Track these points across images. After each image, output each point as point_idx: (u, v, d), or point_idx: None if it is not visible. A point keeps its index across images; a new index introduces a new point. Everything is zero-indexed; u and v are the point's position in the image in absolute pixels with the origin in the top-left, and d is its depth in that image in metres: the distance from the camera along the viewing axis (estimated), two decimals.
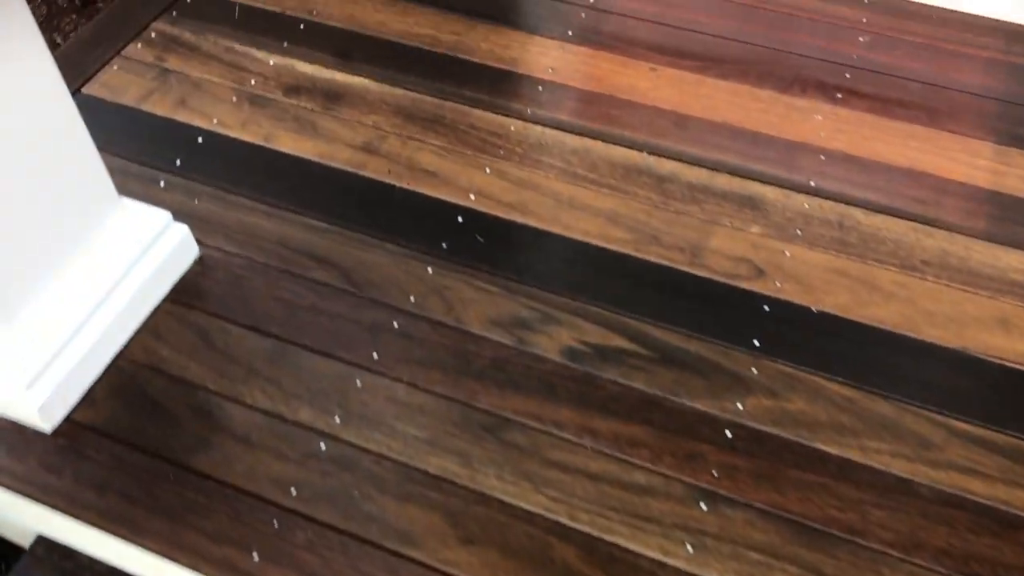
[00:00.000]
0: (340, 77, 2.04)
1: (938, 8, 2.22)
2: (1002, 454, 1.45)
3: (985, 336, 1.60)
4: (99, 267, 1.54)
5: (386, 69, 2.06)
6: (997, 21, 2.19)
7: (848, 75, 2.06)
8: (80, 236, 1.53)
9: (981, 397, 1.52)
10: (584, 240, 1.74)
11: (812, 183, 1.84)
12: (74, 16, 2.75)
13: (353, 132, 1.92)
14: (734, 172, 1.86)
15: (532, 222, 1.77)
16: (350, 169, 1.85)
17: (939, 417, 1.49)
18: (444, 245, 1.72)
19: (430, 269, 1.68)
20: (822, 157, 1.89)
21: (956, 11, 2.21)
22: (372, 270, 1.67)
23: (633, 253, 1.72)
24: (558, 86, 2.04)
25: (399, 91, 2.01)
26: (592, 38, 2.17)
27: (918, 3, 2.24)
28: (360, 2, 2.22)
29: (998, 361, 1.57)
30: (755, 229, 1.76)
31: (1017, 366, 1.56)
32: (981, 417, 1.49)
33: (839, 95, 2.01)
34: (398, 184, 1.82)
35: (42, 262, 1.48)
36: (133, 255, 1.57)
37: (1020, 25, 2.17)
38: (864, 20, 2.20)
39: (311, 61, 2.06)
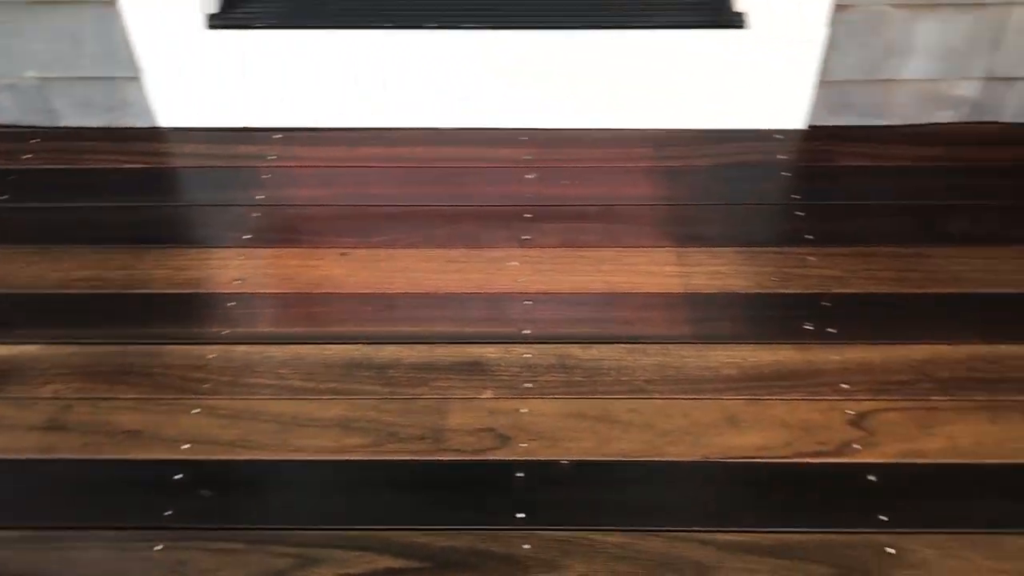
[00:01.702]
0: (2, 351, 1.85)
1: (590, 130, 2.43)
2: (771, 554, 1.54)
3: (720, 439, 1.71)
4: None
5: (53, 328, 1.90)
6: (644, 131, 2.42)
7: (528, 215, 2.19)
8: None
9: (733, 502, 1.62)
10: (320, 458, 1.68)
11: (526, 331, 1.91)
12: None
13: (31, 411, 1.74)
14: (451, 340, 1.89)
15: (259, 455, 1.68)
16: (38, 456, 1.67)
17: (706, 536, 1.56)
18: (167, 513, 1.58)
19: (158, 547, 1.53)
20: (528, 303, 1.97)
21: (607, 129, 2.43)
22: (88, 571, 1.50)
23: (375, 457, 1.68)
24: (250, 297, 1.99)
25: (73, 349, 1.86)
26: (273, 237, 2.14)
27: (571, 129, 2.43)
28: (4, 259, 2.05)
29: (739, 460, 1.68)
30: (487, 394, 1.79)
31: (755, 459, 1.68)
32: (741, 523, 1.58)
33: (526, 237, 2.13)
34: (99, 457, 1.67)
35: None
36: None
37: (663, 130, 2.41)
38: (528, 157, 2.35)
39: None
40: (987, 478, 1.65)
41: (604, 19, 2.28)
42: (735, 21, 2.20)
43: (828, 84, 2.29)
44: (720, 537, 1.56)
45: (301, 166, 2.36)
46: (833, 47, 2.22)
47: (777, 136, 2.39)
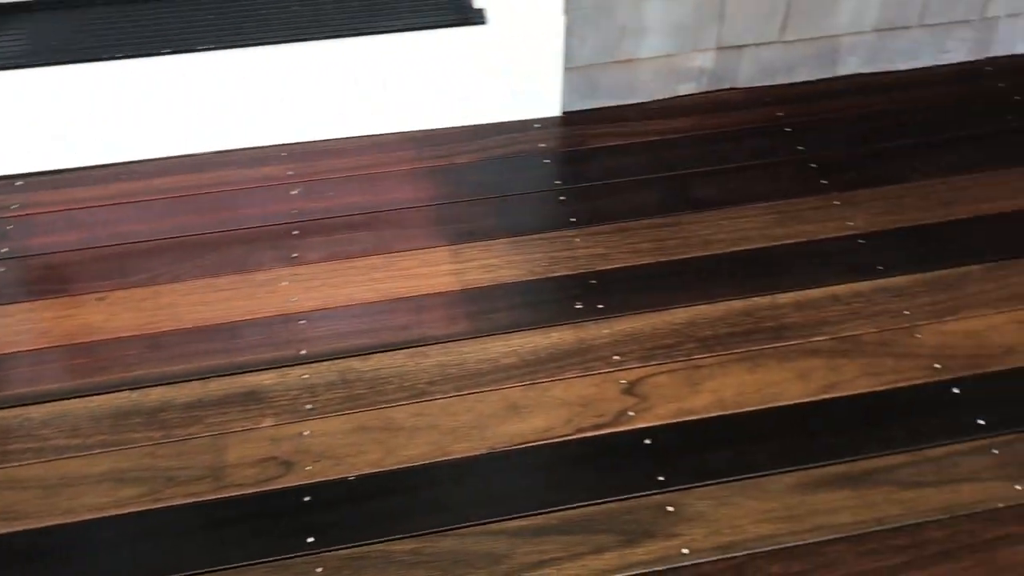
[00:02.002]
0: None
1: (350, 138, 2.42)
2: (560, 532, 1.59)
3: (504, 428, 1.75)
4: None
5: None
6: (404, 133, 2.44)
7: (296, 232, 2.15)
8: None
9: (521, 488, 1.66)
10: (95, 517, 1.60)
11: (303, 351, 1.88)
12: None
13: None
14: (224, 373, 1.84)
15: (26, 525, 1.58)
16: None
17: (496, 526, 1.59)
18: None
19: None
20: (302, 322, 1.94)
21: (366, 135, 2.42)
22: None
23: (154, 505, 1.62)
24: (3, 358, 1.86)
25: None
26: (21, 290, 2.02)
27: (331, 139, 2.41)
28: None
29: (523, 446, 1.72)
30: (267, 422, 1.76)
31: (539, 442, 1.73)
32: (529, 507, 1.63)
33: (295, 255, 2.10)
34: None
35: None
36: None
37: (423, 131, 2.43)
38: (290, 172, 2.32)
39: None
40: (750, 424, 1.76)
41: (347, 27, 2.28)
42: (476, 18, 2.25)
43: (574, 70, 2.38)
44: (510, 524, 1.60)
45: (48, 212, 2.23)
46: (572, 34, 2.30)
47: (536, 125, 2.46)
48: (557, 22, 2.26)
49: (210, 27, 2.28)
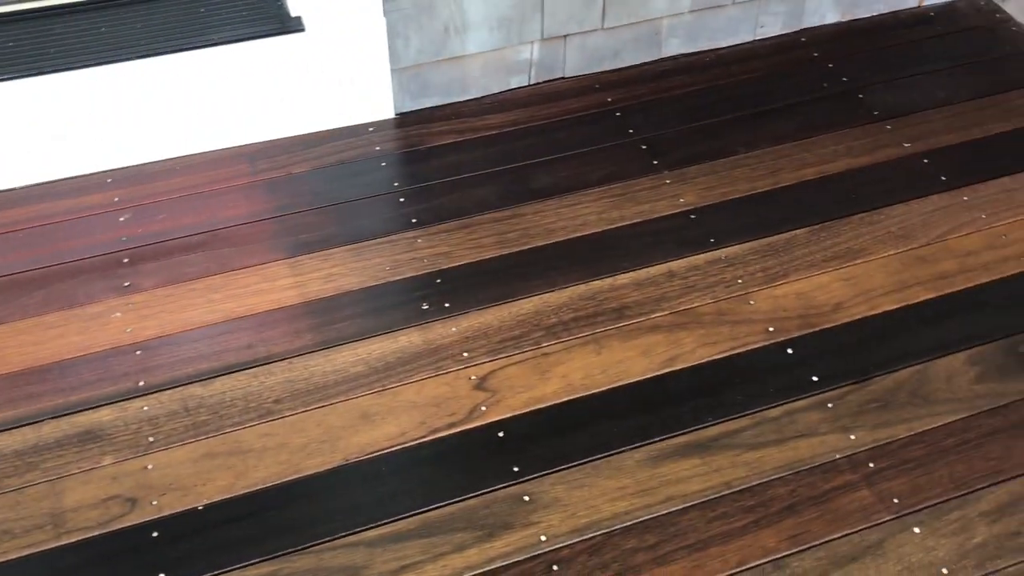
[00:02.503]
0: None
1: (180, 158, 2.35)
2: (418, 536, 1.59)
3: (356, 438, 1.74)
4: None
5: None
6: (237, 148, 2.38)
7: (126, 259, 2.08)
8: None
9: (378, 496, 1.66)
10: None
11: (141, 383, 1.82)
12: None
13: None
14: (58, 414, 1.77)
15: None
16: None
17: (352, 538, 1.59)
18: None
19: None
20: (139, 353, 1.88)
21: (197, 153, 2.36)
22: None
23: None
24: None
25: None
26: None
27: (159, 160, 2.34)
28: None
29: (377, 454, 1.72)
30: (107, 460, 1.69)
31: (393, 448, 1.73)
32: (386, 514, 1.62)
33: (127, 283, 2.02)
34: None
35: None
36: None
37: (257, 143, 2.39)
38: (117, 199, 2.24)
39: None
40: (598, 405, 1.80)
41: (166, 44, 2.21)
42: (294, 26, 2.22)
43: (402, 70, 2.38)
44: (368, 534, 1.60)
45: None
46: (396, 34, 2.29)
47: (371, 129, 2.44)
48: (377, 24, 2.26)
49: (20, 53, 2.17)
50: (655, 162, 2.34)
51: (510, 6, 2.35)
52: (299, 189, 2.28)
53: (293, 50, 2.26)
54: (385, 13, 2.25)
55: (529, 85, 2.57)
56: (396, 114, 2.47)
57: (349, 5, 2.20)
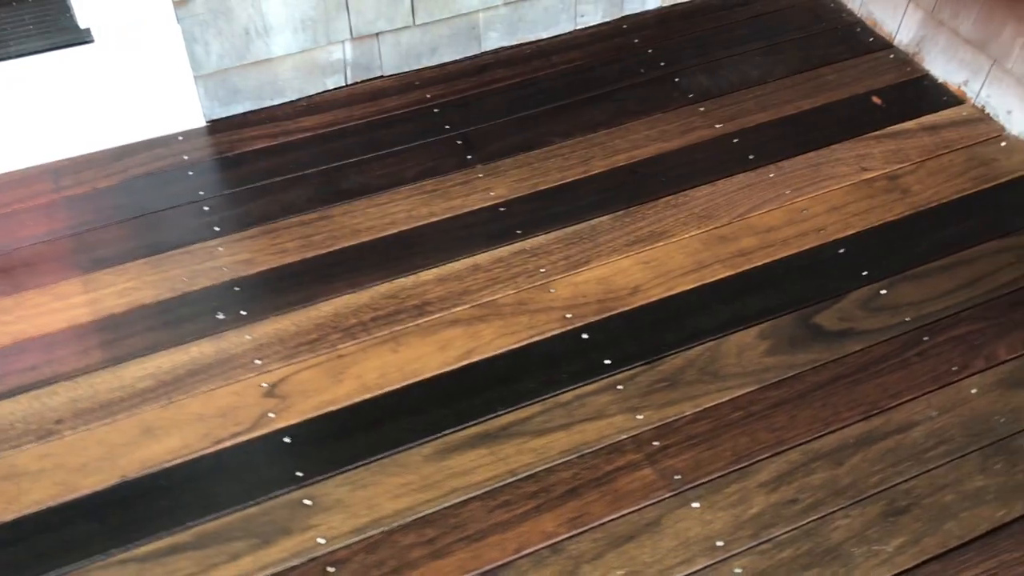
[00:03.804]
0: None
1: None
2: (193, 548, 1.59)
3: (137, 454, 1.73)
4: None
5: None
6: (40, 166, 2.34)
7: None
8: None
9: (154, 511, 1.65)
10: None
11: None
12: None
13: None
14: None
15: None
16: None
17: (124, 555, 1.57)
18: None
19: None
20: None
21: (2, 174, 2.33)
22: None
23: None
24: None
25: None
26: None
27: None
28: None
29: (157, 469, 1.71)
30: None
31: (174, 461, 1.72)
32: (161, 529, 1.62)
33: None
34: None
35: None
36: None
37: (61, 160, 2.35)
38: None
39: None
40: (391, 403, 1.82)
41: None
42: (82, 38, 2.19)
43: (206, 77, 2.37)
44: (140, 550, 1.59)
45: None
46: (193, 41, 2.28)
47: (180, 138, 2.42)
48: (172, 31, 2.24)
49: None
50: (469, 157, 2.36)
51: (312, 6, 2.35)
52: (102, 204, 2.25)
53: (89, 62, 2.23)
54: (179, 20, 2.24)
55: (347, 85, 2.58)
56: (207, 122, 2.45)
57: (139, 15, 2.18)
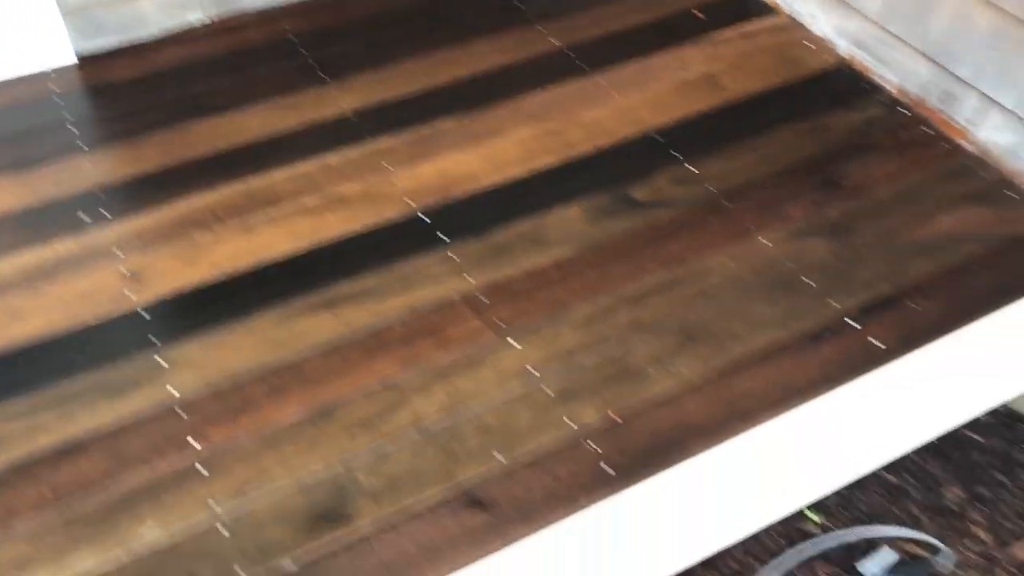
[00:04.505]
0: None
1: None
2: (55, 405, 1.75)
3: (5, 334, 1.88)
4: None
5: None
6: None
7: None
8: None
9: (17, 380, 1.80)
10: None
11: None
12: None
13: None
14: None
15: None
16: None
17: None
18: None
19: None
20: None
21: None
22: None
23: None
24: None
25: None
26: None
27: None
28: None
29: (24, 346, 1.86)
30: None
31: (39, 341, 1.87)
32: (19, 394, 1.78)
33: None
34: None
35: None
36: None
37: None
38: None
39: None
40: (242, 282, 1.99)
41: None
42: None
43: (72, 13, 2.51)
44: (1, 411, 1.75)
45: None
46: None
47: (52, 75, 2.57)
48: None
49: None
50: (324, 76, 2.54)
51: None
52: None
53: None
54: None
55: (213, 22, 2.74)
56: (78, 58, 2.60)
57: None
